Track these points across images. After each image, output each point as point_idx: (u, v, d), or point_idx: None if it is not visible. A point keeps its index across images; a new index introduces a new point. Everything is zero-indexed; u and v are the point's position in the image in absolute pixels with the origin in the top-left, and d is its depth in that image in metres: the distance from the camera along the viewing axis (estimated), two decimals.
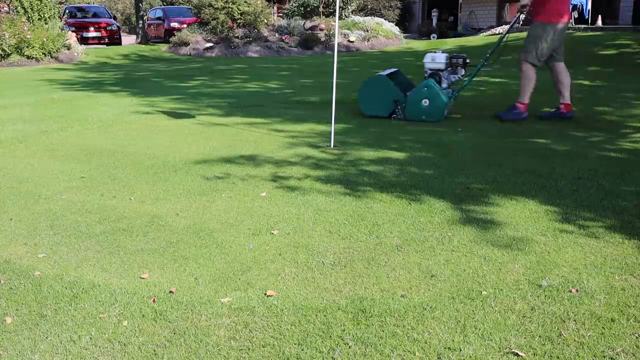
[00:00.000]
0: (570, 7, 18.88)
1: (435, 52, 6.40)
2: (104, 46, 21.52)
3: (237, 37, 18.60)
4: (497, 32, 19.94)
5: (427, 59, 6.34)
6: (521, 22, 6.32)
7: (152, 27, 23.81)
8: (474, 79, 6.55)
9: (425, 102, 6.06)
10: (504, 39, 6.53)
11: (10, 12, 16.08)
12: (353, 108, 7.24)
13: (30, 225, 3.28)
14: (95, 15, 24.18)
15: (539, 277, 2.55)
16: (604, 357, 1.98)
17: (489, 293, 2.41)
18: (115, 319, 2.26)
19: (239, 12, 18.65)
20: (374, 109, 6.34)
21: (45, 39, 15.41)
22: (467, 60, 6.35)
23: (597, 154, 4.69)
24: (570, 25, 18.30)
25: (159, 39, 22.89)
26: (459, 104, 7.46)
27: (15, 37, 14.88)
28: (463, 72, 6.32)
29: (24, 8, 16.28)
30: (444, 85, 6.27)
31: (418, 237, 3.02)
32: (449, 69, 6.31)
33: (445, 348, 2.04)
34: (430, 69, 6.33)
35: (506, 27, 20.35)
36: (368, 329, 2.17)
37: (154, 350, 2.06)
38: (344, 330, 2.17)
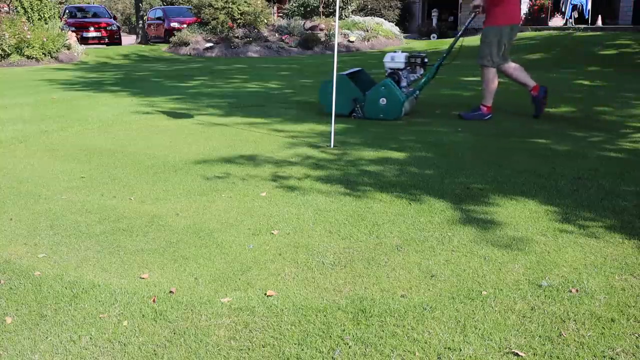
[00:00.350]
0: (570, 7, 18.92)
1: (396, 52, 6.60)
2: (104, 46, 21.52)
3: (237, 37, 18.60)
4: None
5: (387, 58, 6.52)
6: (472, 22, 6.57)
7: (152, 27, 23.81)
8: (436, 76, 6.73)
9: (383, 101, 6.23)
10: (460, 39, 6.71)
11: (10, 12, 16.08)
12: None
13: (30, 225, 3.28)
14: (95, 15, 24.19)
15: (539, 277, 2.55)
16: (604, 357, 1.98)
17: (489, 293, 2.41)
18: (115, 319, 2.26)
19: (239, 12, 18.65)
20: (335, 107, 6.38)
21: (45, 39, 15.42)
22: (426, 60, 6.51)
23: (597, 154, 4.69)
24: (570, 25, 18.36)
25: (159, 39, 22.90)
26: (459, 104, 7.46)
27: (15, 37, 14.88)
28: (422, 71, 6.49)
29: (24, 8, 16.28)
30: (403, 84, 6.44)
31: (418, 237, 3.02)
32: (408, 68, 6.48)
33: (445, 348, 2.04)
34: (390, 68, 6.49)
35: None
36: (368, 329, 2.17)
37: (154, 350, 2.06)
38: (344, 330, 2.17)
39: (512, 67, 6.29)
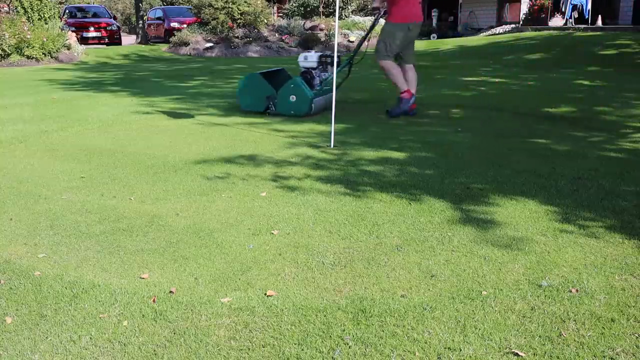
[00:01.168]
0: (570, 7, 18.92)
1: (309, 52, 7.01)
2: (104, 46, 21.52)
3: (237, 37, 18.61)
4: (497, 32, 19.95)
5: (301, 58, 6.92)
6: (377, 22, 6.82)
7: (152, 27, 23.81)
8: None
9: (293, 98, 6.52)
10: (367, 39, 7.00)
11: (10, 12, 16.08)
12: (353, 108, 7.24)
13: (30, 225, 3.28)
14: (95, 15, 24.19)
15: (539, 277, 2.55)
16: (604, 357, 1.98)
17: (489, 293, 2.41)
18: (115, 319, 2.26)
19: (239, 12, 18.66)
20: (251, 104, 6.85)
21: (45, 39, 15.42)
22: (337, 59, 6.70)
23: (597, 154, 4.69)
24: (570, 25, 18.35)
25: (159, 39, 22.90)
26: (460, 104, 7.46)
27: (15, 37, 14.88)
28: (337, 70, 6.70)
29: (24, 8, 16.28)
30: (316, 82, 6.77)
31: (418, 237, 3.02)
32: (320, 67, 6.84)
33: (445, 348, 2.04)
34: (304, 67, 6.85)
35: (506, 27, 20.35)
36: (368, 329, 2.17)
37: (154, 350, 2.06)
38: (344, 330, 2.16)
39: (411, 68, 6.55)
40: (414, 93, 6.54)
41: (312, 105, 6.50)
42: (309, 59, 6.83)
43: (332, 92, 6.58)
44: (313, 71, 6.80)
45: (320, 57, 6.85)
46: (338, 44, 16.24)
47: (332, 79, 6.52)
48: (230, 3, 18.55)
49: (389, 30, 6.34)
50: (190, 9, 20.99)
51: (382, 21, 6.95)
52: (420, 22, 6.48)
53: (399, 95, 6.54)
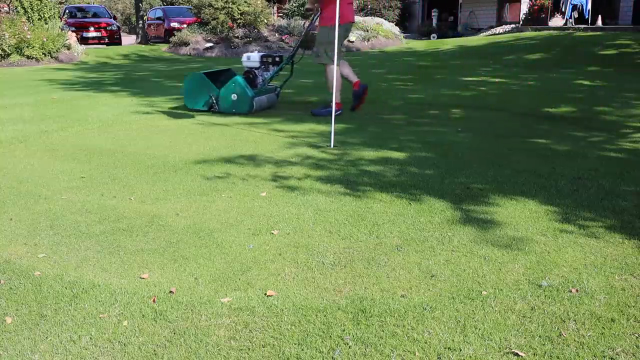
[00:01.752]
0: (570, 7, 18.92)
1: (252, 52, 7.32)
2: (104, 46, 21.52)
3: (237, 37, 18.60)
4: (497, 32, 19.95)
5: (244, 58, 7.20)
6: (315, 25, 6.97)
7: (152, 27, 23.81)
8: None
9: (234, 97, 6.75)
10: (304, 38, 7.27)
11: (10, 12, 16.08)
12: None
13: (30, 225, 3.28)
14: (95, 15, 24.20)
15: (539, 277, 2.55)
16: (604, 357, 1.98)
17: (489, 293, 2.41)
18: (115, 319, 2.26)
19: (239, 12, 18.65)
20: (195, 103, 7.03)
21: (45, 39, 15.42)
22: (278, 59, 7.15)
23: (597, 154, 4.69)
24: (570, 25, 18.35)
25: (159, 39, 22.90)
26: (460, 104, 7.46)
27: (15, 37, 14.88)
28: (275, 68, 7.08)
29: (24, 8, 16.28)
30: (259, 81, 7.06)
31: (418, 237, 3.02)
32: (262, 67, 7.09)
33: (445, 348, 2.04)
34: (247, 67, 7.11)
35: (506, 27, 20.35)
36: (368, 329, 2.17)
37: (154, 350, 2.06)
38: (344, 330, 2.16)
39: (337, 75, 6.56)
40: (363, 83, 6.80)
41: (254, 103, 6.75)
42: (252, 59, 7.10)
43: (274, 91, 7.15)
44: (255, 71, 7.07)
45: (262, 57, 7.11)
46: None
47: (268, 76, 7.06)
48: (230, 3, 18.54)
49: (324, 34, 6.48)
50: (190, 9, 20.99)
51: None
52: (352, 23, 6.71)
53: (330, 100, 6.56)
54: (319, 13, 6.67)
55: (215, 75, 7.10)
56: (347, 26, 6.54)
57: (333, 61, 6.35)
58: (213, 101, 6.84)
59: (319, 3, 6.53)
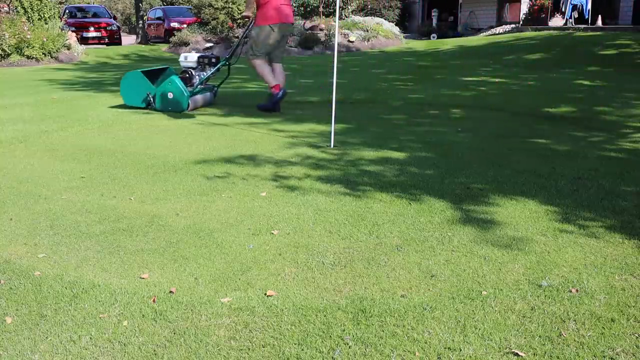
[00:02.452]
0: (570, 7, 18.92)
1: (190, 52, 7.51)
2: (104, 46, 21.52)
3: (237, 37, 18.59)
4: (497, 32, 19.95)
5: (181, 58, 7.39)
6: (251, 29, 7.20)
7: (152, 27, 23.81)
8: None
9: (170, 95, 6.95)
10: (241, 43, 7.37)
11: (10, 12, 16.08)
12: (353, 108, 7.25)
13: (30, 225, 3.28)
14: (95, 15, 24.20)
15: (539, 277, 2.55)
16: (604, 357, 1.98)
17: (489, 293, 2.41)
18: (115, 319, 2.26)
19: (239, 12, 18.65)
20: (133, 100, 7.22)
21: (45, 39, 15.41)
22: (214, 60, 7.35)
23: (597, 154, 4.69)
24: (570, 25, 18.35)
25: (159, 39, 22.90)
26: (460, 104, 7.46)
27: (15, 37, 14.88)
28: (212, 69, 7.29)
29: (24, 8, 16.27)
30: (195, 81, 7.26)
31: (418, 237, 3.02)
32: (199, 67, 7.30)
33: (445, 348, 2.04)
34: (184, 67, 7.31)
35: (506, 27, 20.35)
36: (368, 329, 2.17)
37: (154, 350, 2.06)
38: (344, 330, 2.16)
39: (278, 68, 6.99)
40: (283, 87, 6.97)
41: (189, 102, 6.97)
42: (189, 59, 7.31)
43: (211, 90, 7.44)
44: (192, 70, 7.28)
45: (199, 57, 7.34)
46: (338, 44, 16.23)
47: (203, 77, 7.25)
48: (230, 3, 18.54)
49: (255, 33, 6.85)
50: (190, 9, 20.99)
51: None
52: (286, 24, 6.88)
53: (270, 90, 7.03)
54: (251, 21, 6.99)
55: (153, 74, 7.35)
56: (281, 26, 6.78)
57: (257, 56, 6.87)
58: (150, 99, 7.05)
59: (253, 6, 6.81)
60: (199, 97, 7.25)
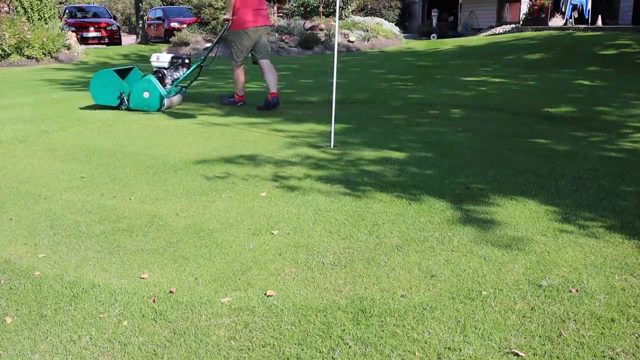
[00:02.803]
0: (570, 7, 18.92)
1: (161, 52, 7.65)
2: (104, 46, 21.52)
3: None
4: (497, 32, 19.95)
5: (153, 58, 7.40)
6: (227, 32, 7.40)
7: (152, 27, 23.81)
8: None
9: (146, 95, 7.01)
10: (217, 46, 7.51)
11: (10, 12, 16.07)
12: (353, 108, 7.25)
13: (30, 225, 3.28)
14: (95, 15, 24.20)
15: (539, 277, 2.55)
16: (604, 357, 1.98)
17: (489, 293, 2.41)
18: (115, 319, 2.26)
19: None
20: (104, 99, 7.21)
21: (45, 39, 15.41)
22: (187, 61, 7.52)
23: (597, 154, 4.69)
24: (570, 25, 18.35)
25: (159, 39, 22.90)
26: (460, 104, 7.46)
27: (15, 37, 14.87)
28: (185, 70, 7.44)
29: (24, 8, 16.27)
30: (168, 81, 7.30)
31: (418, 237, 3.02)
32: (172, 67, 7.38)
33: (445, 348, 2.04)
34: (156, 67, 7.34)
35: (506, 27, 20.35)
36: (368, 329, 2.17)
37: (154, 350, 2.06)
38: (344, 330, 2.16)
39: (265, 64, 7.21)
40: (276, 92, 7.17)
41: (164, 102, 7.06)
42: (161, 59, 7.36)
43: (180, 91, 7.47)
44: (165, 70, 7.30)
45: (173, 58, 7.43)
46: (338, 44, 16.22)
47: (180, 77, 7.41)
48: None
49: (231, 38, 7.14)
50: (190, 9, 20.98)
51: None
52: (261, 27, 7.07)
53: (235, 95, 7.57)
54: (229, 24, 7.13)
55: (120, 73, 7.29)
56: (255, 30, 7.00)
57: (238, 63, 7.20)
58: (123, 97, 7.05)
59: (232, 9, 6.97)
60: (174, 97, 7.35)
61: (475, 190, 3.78)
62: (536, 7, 20.00)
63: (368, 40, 19.10)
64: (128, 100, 7.08)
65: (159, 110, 7.01)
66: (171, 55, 7.49)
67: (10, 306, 2.38)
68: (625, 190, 3.73)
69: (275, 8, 24.87)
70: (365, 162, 4.55)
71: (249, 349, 2.06)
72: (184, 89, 7.67)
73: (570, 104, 7.26)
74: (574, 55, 13.42)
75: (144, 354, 2.05)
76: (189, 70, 7.42)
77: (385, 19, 21.54)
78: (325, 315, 2.26)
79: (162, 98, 7.02)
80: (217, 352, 2.05)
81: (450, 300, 2.36)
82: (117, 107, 7.13)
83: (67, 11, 23.40)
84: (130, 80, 7.32)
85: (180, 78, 7.40)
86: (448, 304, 2.33)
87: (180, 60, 7.46)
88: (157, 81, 7.07)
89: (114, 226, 3.24)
